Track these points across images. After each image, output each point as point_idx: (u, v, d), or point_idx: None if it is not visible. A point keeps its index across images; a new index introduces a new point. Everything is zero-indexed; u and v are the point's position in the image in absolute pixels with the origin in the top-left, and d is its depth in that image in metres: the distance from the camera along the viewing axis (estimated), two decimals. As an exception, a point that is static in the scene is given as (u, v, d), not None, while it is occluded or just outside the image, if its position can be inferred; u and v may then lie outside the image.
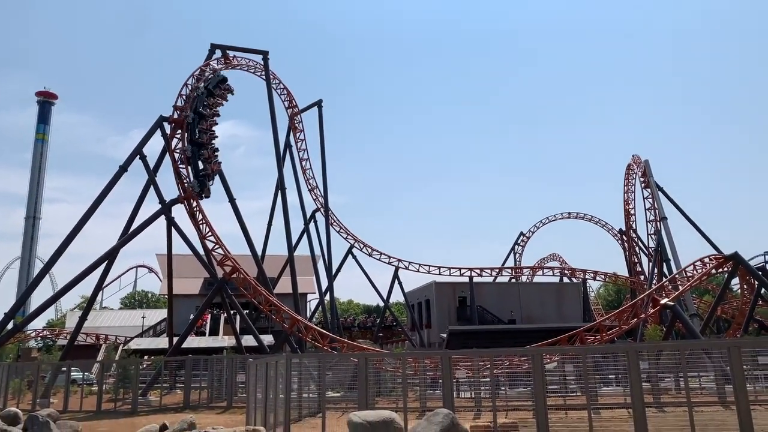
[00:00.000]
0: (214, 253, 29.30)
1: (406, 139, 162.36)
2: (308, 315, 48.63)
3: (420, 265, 49.99)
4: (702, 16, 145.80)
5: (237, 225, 32.05)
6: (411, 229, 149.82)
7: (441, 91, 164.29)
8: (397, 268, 49.61)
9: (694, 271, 29.57)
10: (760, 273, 29.60)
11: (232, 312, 33.75)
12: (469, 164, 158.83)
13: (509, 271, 54.87)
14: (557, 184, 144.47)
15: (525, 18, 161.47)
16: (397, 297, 66.12)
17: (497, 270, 52.75)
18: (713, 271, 29.25)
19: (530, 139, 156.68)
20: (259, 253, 37.53)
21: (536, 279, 56.47)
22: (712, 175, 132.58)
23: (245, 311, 35.66)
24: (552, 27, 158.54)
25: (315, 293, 45.63)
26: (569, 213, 60.82)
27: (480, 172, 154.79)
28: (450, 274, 49.23)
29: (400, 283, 50.21)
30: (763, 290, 29.09)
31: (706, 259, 29.56)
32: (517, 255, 60.75)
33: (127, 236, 29.04)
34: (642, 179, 47.53)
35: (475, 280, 48.55)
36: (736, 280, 32.65)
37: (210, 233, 29.11)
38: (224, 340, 37.50)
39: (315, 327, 28.66)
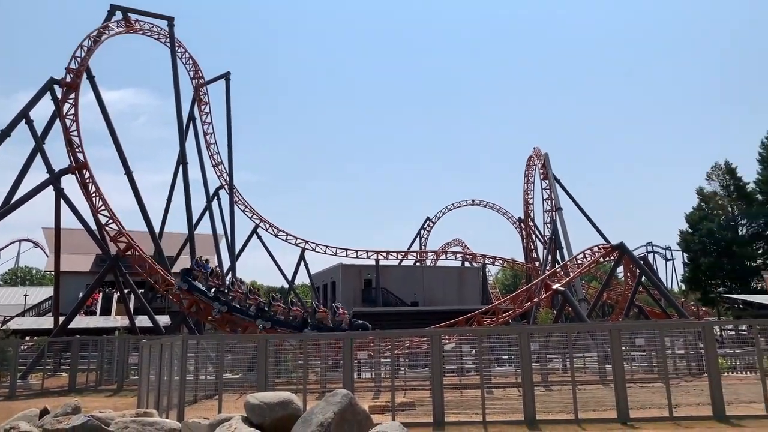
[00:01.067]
0: (107, 228, 27.78)
1: (319, 119, 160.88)
2: (209, 295, 47.30)
3: (327, 246, 49.99)
4: (600, 16, 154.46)
5: (134, 199, 30.50)
6: (319, 211, 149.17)
7: (357, 72, 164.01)
8: (303, 250, 49.33)
9: (584, 259, 31.52)
10: (642, 262, 32.10)
11: (126, 291, 32.15)
12: (380, 148, 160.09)
13: (414, 254, 56.03)
14: (464, 172, 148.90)
15: (440, 7, 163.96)
16: (302, 279, 65.89)
17: (403, 253, 53.70)
18: (601, 259, 31.33)
19: (441, 127, 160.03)
20: (157, 230, 35.93)
21: (440, 263, 58.06)
22: (605, 170, 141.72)
23: (140, 290, 34.16)
24: (465, 18, 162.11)
25: (217, 273, 44.48)
26: (473, 200, 62.80)
27: (390, 156, 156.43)
28: (357, 257, 49.61)
29: (306, 265, 50.00)
30: (643, 278, 31.44)
31: (595, 248, 31.60)
32: (423, 239, 62.15)
33: (8, 207, 26.87)
34: (541, 171, 49.83)
35: (381, 262, 49.11)
36: (621, 268, 35.12)
37: (103, 207, 27.54)
38: (116, 321, 35.74)
39: (215, 307, 27.88)
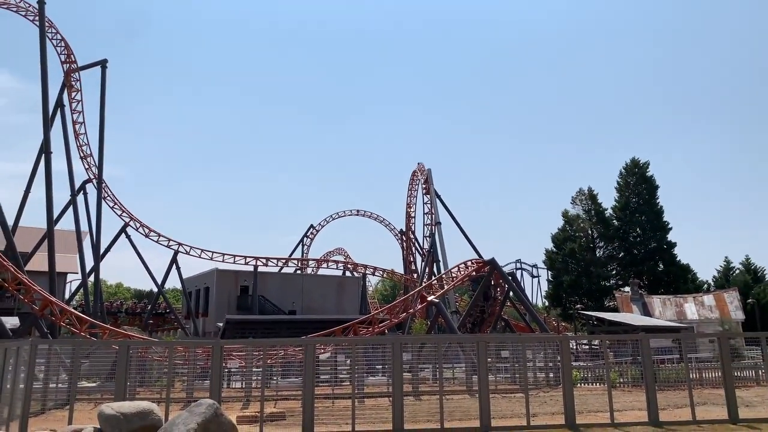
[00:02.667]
0: (-51, 218, 24.85)
1: (200, 116, 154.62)
2: (66, 297, 43.74)
3: (202, 250, 48.13)
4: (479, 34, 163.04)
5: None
6: (197, 214, 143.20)
7: (242, 69, 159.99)
8: (176, 252, 47.08)
9: (458, 272, 32.81)
10: (510, 278, 34.03)
11: (-33, 289, 28.90)
12: (266, 154, 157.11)
13: (295, 262, 55.47)
14: (350, 182, 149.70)
15: (332, 14, 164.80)
16: (174, 283, 62.94)
17: (283, 260, 52.96)
18: (473, 273, 32.78)
19: (329, 135, 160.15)
20: (11, 223, 32.72)
21: (321, 271, 57.98)
22: (482, 189, 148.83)
23: (-14, 289, 30.84)
24: (360, 27, 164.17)
25: (78, 274, 41.23)
26: (358, 210, 63.52)
27: (274, 160, 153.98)
28: (234, 262, 48.18)
29: (178, 268, 47.74)
30: (511, 293, 33.29)
31: (469, 263, 33.01)
32: (306, 247, 61.77)
33: None
34: (424, 186, 51.36)
35: (261, 269, 48.14)
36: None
37: (-55, 195, 24.63)
38: (-46, 322, 31.97)
39: (72, 311, 25.92)
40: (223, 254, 48.19)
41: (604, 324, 32.98)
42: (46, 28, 34.69)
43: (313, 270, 57.59)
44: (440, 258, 44.63)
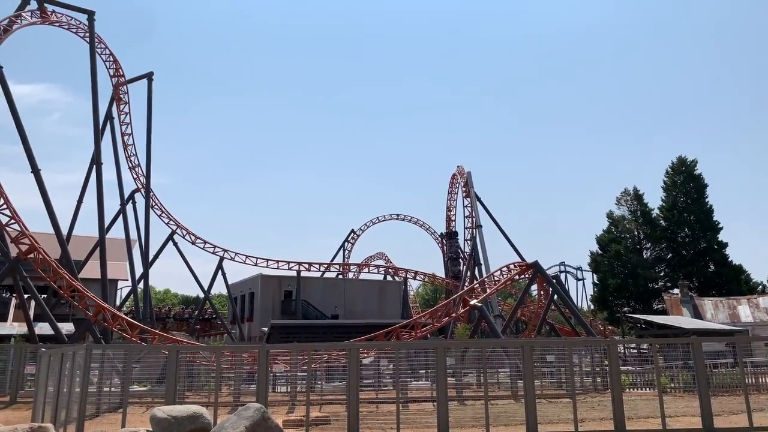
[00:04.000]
0: (8, 228, 25.95)
1: (243, 124, 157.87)
2: (118, 303, 45.12)
3: (247, 256, 48.86)
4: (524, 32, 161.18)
5: (41, 200, 28.65)
6: (240, 219, 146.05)
7: (283, 75, 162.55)
8: (221, 258, 47.92)
9: (501, 276, 32.48)
10: (555, 281, 33.49)
11: (26, 296, 30.12)
12: (307, 157, 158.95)
13: (337, 267, 55.88)
14: (389, 186, 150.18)
15: (368, 16, 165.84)
16: (220, 289, 64.08)
17: (325, 265, 53.45)
18: (516, 276, 32.40)
19: (368, 139, 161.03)
20: (65, 232, 33.98)
21: (362, 276, 58.30)
22: (525, 191, 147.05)
23: (43, 296, 32.10)
24: (398, 30, 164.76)
25: (128, 281, 42.49)
26: (398, 215, 63.56)
27: (314, 166, 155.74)
28: (278, 267, 48.83)
29: (224, 275, 48.53)
30: (555, 296, 32.76)
31: (511, 266, 32.64)
32: (347, 252, 62.18)
33: None
34: (464, 189, 51.10)
35: (303, 274, 48.65)
36: (535, 286, 36.46)
37: (5, 205, 25.74)
38: (13, 327, 33.35)
39: (124, 316, 26.68)
40: (267, 260, 48.85)
41: (653, 327, 32.08)
42: (96, 44, 35.92)
43: (354, 275, 57.92)
44: (482, 261, 44.25)
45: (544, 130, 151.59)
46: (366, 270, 57.44)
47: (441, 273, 58.49)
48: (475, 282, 37.32)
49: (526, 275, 32.08)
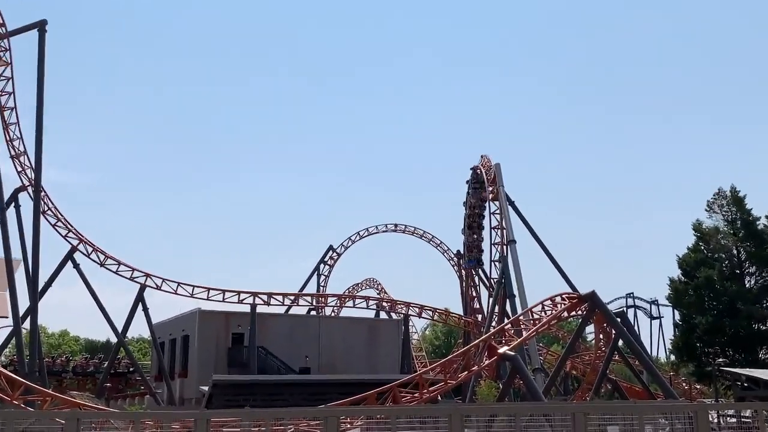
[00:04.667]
0: None
1: (183, 103, 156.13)
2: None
3: (179, 284, 48.56)
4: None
5: None
6: (171, 234, 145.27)
7: (244, 46, 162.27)
8: (143, 287, 47.69)
9: (542, 313, 32.45)
10: (620, 320, 33.42)
11: None
12: (271, 150, 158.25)
13: (309, 299, 55.62)
14: (383, 187, 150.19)
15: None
16: (140, 330, 63.96)
17: (292, 297, 53.15)
18: (565, 314, 32.38)
19: (354, 126, 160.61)
20: None
21: (345, 312, 58.28)
22: (575, 196, 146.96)
23: None
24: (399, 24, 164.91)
25: (7, 318, 42.20)
26: (395, 225, 63.60)
27: (282, 164, 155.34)
28: (224, 300, 48.51)
29: (146, 309, 48.26)
30: (621, 342, 32.73)
31: (558, 299, 32.61)
32: (323, 277, 62.15)
33: None
34: (490, 188, 51.14)
35: (260, 309, 48.56)
36: (591, 328, 36.44)
37: None
38: None
39: (1, 369, 26.55)
40: (208, 289, 48.62)
41: (759, 386, 32.12)
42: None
43: (334, 310, 57.87)
44: (515, 292, 44.32)
45: (601, 112, 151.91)
46: (351, 304, 57.31)
47: (457, 308, 58.68)
48: (506, 321, 37.28)
49: (579, 312, 32.08)
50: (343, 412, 15.53)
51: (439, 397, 27.58)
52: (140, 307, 47.98)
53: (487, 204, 52.39)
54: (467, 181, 56.87)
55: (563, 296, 32.91)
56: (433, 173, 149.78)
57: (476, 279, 57.20)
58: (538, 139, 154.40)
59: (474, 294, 57.37)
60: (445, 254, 62.37)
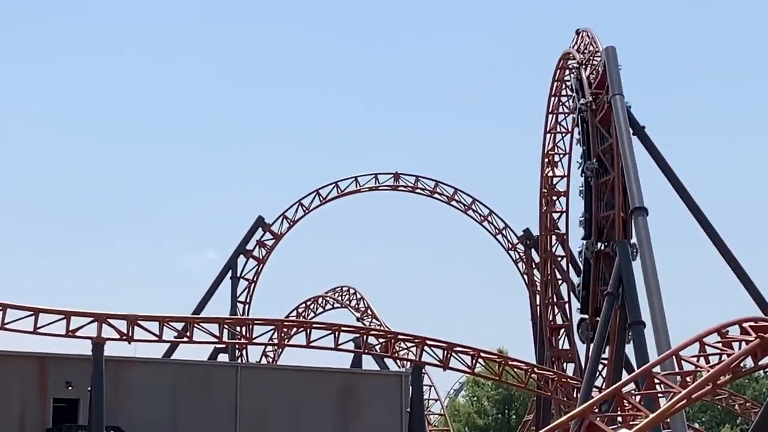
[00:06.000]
0: None
1: None
2: None
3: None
4: None
5: None
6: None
7: None
8: None
9: (701, 359, 32.13)
10: None
11: None
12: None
13: (216, 329, 55.58)
14: (368, 103, 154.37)
15: None
16: None
17: (180, 325, 53.16)
18: (750, 359, 32.06)
19: None
20: None
21: (290, 356, 58.41)
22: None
23: None
24: None
25: None
26: (395, 176, 63.60)
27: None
28: (35, 329, 48.78)
29: None
30: None
31: (735, 328, 32.31)
32: (245, 285, 62.66)
33: None
34: (593, 95, 51.06)
35: (114, 350, 49.17)
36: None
37: None
38: None
39: None
40: (5, 306, 48.68)
41: None
42: None
43: (267, 354, 57.95)
44: (647, 315, 44.24)
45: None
46: (302, 339, 57.38)
47: (524, 351, 58.89)
48: (629, 376, 37.11)
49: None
50: None
51: None
52: None
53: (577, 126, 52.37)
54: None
55: (746, 324, 32.59)
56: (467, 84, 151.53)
57: (565, 289, 57.25)
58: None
59: (560, 321, 57.47)
60: (498, 234, 62.51)
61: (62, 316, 48.63)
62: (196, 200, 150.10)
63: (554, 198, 58.18)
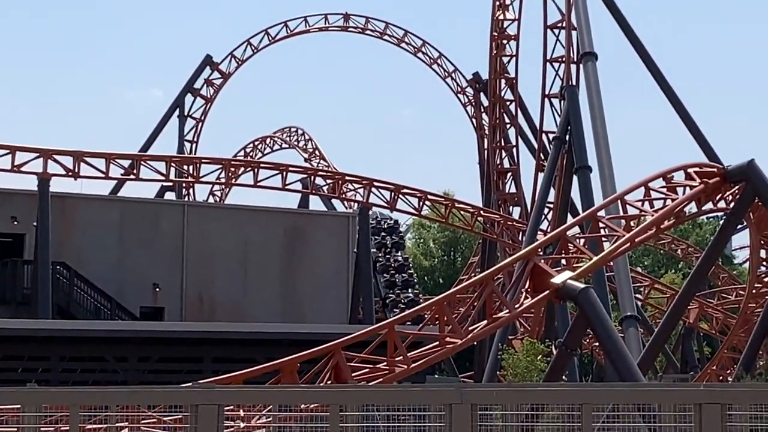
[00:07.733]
0: None
1: None
2: None
3: None
4: None
5: None
6: None
7: None
8: None
9: (647, 204, 32.85)
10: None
11: None
12: None
13: (162, 166, 55.72)
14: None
15: None
16: None
17: (127, 162, 53.48)
18: (693, 204, 32.81)
19: None
20: None
21: (237, 196, 58.64)
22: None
23: None
24: None
25: None
26: (344, 16, 63.46)
27: None
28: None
29: None
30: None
31: (680, 175, 33.00)
32: (193, 124, 62.50)
33: None
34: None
35: (60, 187, 49.58)
36: (744, 236, 37.00)
37: None
38: None
39: None
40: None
41: None
42: None
43: (214, 193, 58.10)
44: (593, 160, 44.88)
45: None
46: (249, 178, 57.56)
47: (471, 194, 59.36)
48: (573, 220, 37.81)
49: (722, 198, 32.47)
50: (230, 397, 15.71)
51: (436, 371, 28.02)
52: None
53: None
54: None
55: (691, 170, 33.23)
56: None
57: (513, 133, 57.71)
58: None
59: (507, 165, 57.96)
60: (448, 79, 62.72)
61: (7, 151, 48.74)
62: (141, 36, 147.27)
63: (504, 42, 58.13)
